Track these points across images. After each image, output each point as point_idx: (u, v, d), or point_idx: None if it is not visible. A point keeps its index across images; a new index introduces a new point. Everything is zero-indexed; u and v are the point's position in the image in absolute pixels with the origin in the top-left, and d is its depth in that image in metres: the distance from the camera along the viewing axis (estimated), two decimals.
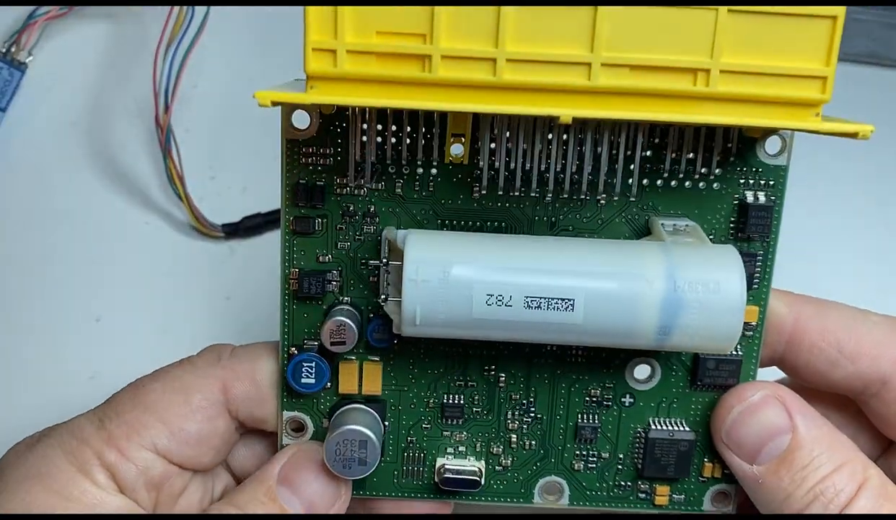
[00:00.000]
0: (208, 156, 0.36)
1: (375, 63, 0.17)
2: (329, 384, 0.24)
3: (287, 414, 0.24)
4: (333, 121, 0.22)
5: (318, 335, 0.23)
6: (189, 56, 0.33)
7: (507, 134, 0.21)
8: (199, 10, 0.33)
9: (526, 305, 0.20)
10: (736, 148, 0.22)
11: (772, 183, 0.22)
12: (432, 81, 0.17)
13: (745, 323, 0.21)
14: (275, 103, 0.17)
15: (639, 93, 0.17)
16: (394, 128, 0.21)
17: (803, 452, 0.22)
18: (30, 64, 0.35)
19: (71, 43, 0.36)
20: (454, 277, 0.20)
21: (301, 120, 0.22)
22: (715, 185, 0.22)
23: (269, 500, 0.22)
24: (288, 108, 0.22)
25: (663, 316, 0.20)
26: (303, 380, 0.23)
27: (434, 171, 0.22)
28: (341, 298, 0.23)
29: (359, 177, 0.22)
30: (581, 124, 0.21)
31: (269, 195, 0.35)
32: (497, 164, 0.22)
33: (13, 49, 0.34)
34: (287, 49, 0.33)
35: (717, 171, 0.22)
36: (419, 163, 0.22)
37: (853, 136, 0.18)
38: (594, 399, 0.24)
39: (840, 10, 0.17)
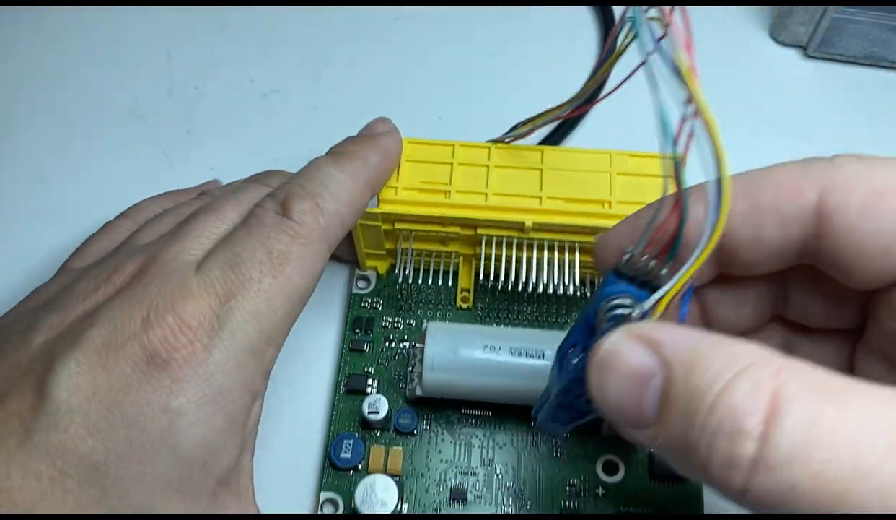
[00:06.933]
0: (210, 156, 0.37)
1: (419, 193, 0.30)
2: (360, 466, 0.30)
3: (324, 494, 0.29)
4: (382, 283, 0.33)
5: (359, 415, 0.30)
6: None
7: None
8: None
9: (511, 352, 0.28)
10: None
11: None
12: (450, 204, 0.30)
13: None
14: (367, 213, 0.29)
15: (569, 213, 0.29)
16: (429, 281, 0.33)
17: (677, 384, 0.16)
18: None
19: (74, 43, 0.40)
20: (462, 333, 0.29)
21: (364, 282, 0.33)
22: None
23: None
24: (355, 275, 0.33)
25: None
26: (342, 455, 0.29)
27: (450, 314, 0.33)
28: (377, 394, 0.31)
29: (397, 317, 0.32)
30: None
31: None
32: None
33: None
34: (288, 49, 0.41)
35: None
36: (439, 308, 0.33)
37: None
38: (574, 488, 0.29)
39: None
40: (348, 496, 0.29)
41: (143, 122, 0.38)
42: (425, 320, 0.32)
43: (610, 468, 0.30)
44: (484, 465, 0.30)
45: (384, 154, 0.27)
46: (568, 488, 0.29)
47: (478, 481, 0.29)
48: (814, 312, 0.22)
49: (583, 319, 0.20)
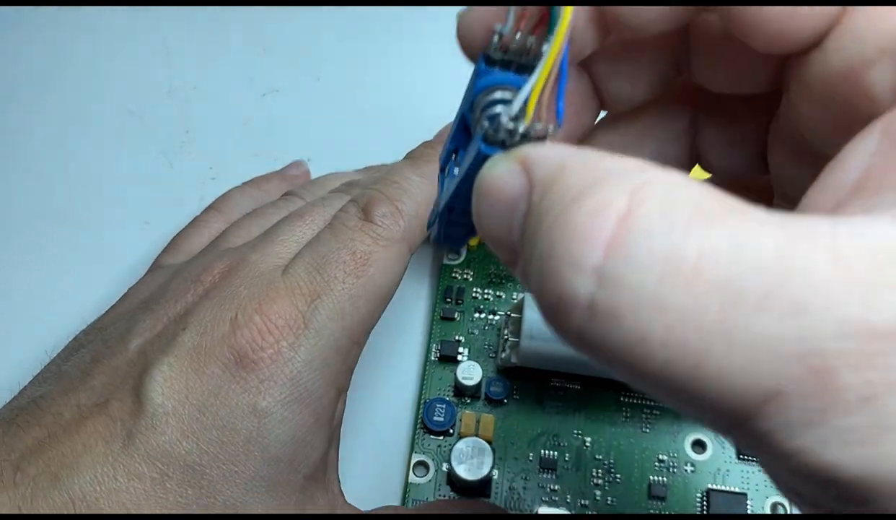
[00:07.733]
0: (209, 156, 0.37)
1: None
2: (452, 430, 0.30)
3: (415, 457, 0.30)
4: (473, 256, 0.34)
5: (451, 381, 0.31)
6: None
7: None
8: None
9: None
10: None
11: None
12: None
13: None
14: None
15: None
16: None
17: (533, 205, 0.12)
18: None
19: (74, 43, 0.39)
20: None
21: (455, 254, 0.34)
22: None
23: None
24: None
25: None
26: (434, 418, 0.30)
27: None
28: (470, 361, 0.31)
29: (487, 289, 0.33)
30: None
31: None
32: None
33: None
34: (287, 49, 0.40)
35: None
36: None
37: None
38: (663, 464, 0.30)
39: None
40: (439, 460, 0.30)
41: (141, 122, 0.38)
42: (515, 293, 0.33)
43: (698, 447, 0.30)
44: (573, 437, 0.30)
45: None
46: (657, 463, 0.30)
47: (567, 452, 0.30)
48: (719, 78, 0.17)
49: (458, 121, 0.16)
